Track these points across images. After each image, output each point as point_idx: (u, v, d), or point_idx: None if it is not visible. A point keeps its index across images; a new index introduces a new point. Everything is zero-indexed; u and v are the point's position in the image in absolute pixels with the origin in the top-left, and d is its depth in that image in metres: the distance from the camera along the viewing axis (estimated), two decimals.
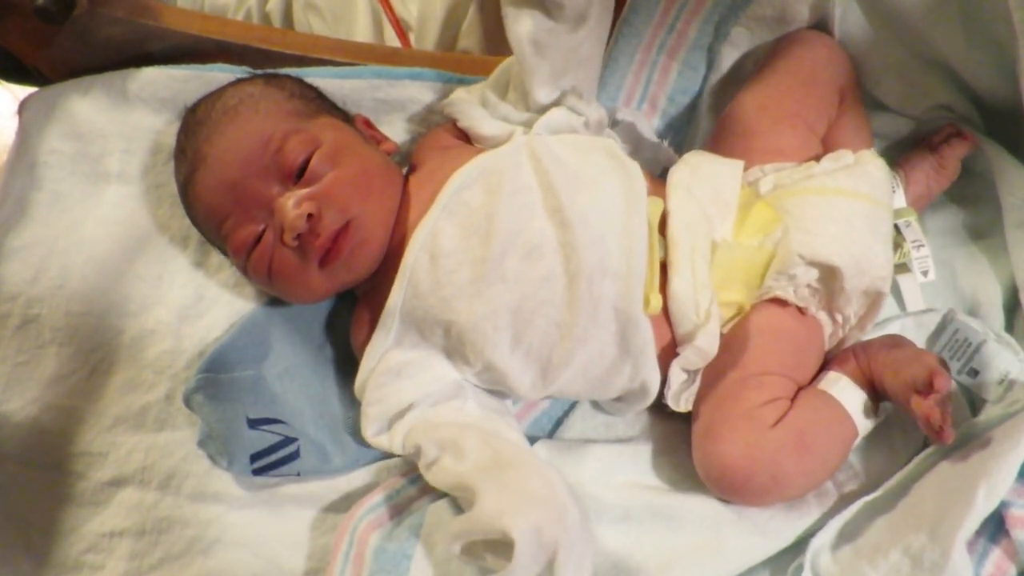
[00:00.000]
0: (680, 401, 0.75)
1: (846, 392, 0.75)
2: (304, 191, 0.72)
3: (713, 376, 0.75)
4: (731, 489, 0.72)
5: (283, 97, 0.77)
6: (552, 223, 0.71)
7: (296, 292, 0.77)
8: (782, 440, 0.71)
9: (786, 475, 0.71)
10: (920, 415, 0.68)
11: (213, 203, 0.74)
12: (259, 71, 0.86)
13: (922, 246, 0.85)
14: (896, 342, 0.78)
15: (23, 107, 0.93)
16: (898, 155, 0.90)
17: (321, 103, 0.81)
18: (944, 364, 0.70)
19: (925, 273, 0.86)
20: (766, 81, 0.84)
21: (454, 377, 0.74)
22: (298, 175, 0.72)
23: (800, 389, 0.76)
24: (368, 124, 0.85)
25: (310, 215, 0.71)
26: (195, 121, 0.77)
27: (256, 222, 0.73)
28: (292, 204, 0.71)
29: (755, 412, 0.72)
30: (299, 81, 0.82)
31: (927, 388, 0.68)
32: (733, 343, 0.75)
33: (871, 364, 0.76)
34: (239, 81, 0.81)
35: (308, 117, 0.76)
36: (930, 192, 0.89)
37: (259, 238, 0.74)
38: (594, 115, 0.78)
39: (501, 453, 0.68)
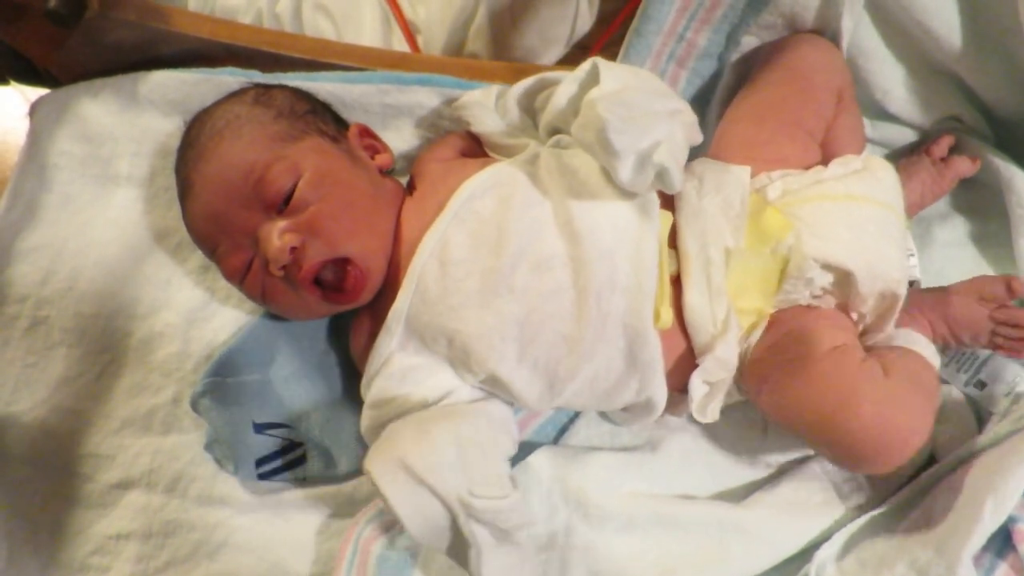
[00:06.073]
0: (706, 413, 0.73)
1: (917, 341, 0.75)
2: (286, 223, 0.72)
3: (784, 368, 0.71)
4: (887, 451, 0.65)
5: (269, 119, 0.75)
6: (563, 237, 0.71)
7: (292, 313, 0.78)
8: (915, 392, 0.67)
9: (926, 428, 0.66)
10: (1007, 318, 0.77)
11: (202, 231, 0.76)
12: (261, 78, 0.86)
13: (912, 255, 0.85)
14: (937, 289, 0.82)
15: (34, 109, 0.93)
16: (895, 161, 0.88)
17: (312, 118, 0.78)
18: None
19: (912, 283, 0.84)
20: (762, 91, 0.82)
21: (457, 384, 0.74)
22: (282, 204, 0.72)
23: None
24: (366, 133, 0.83)
25: (293, 247, 0.71)
26: (187, 142, 0.77)
27: (245, 250, 0.74)
28: (275, 237, 0.71)
29: (867, 368, 0.68)
30: (292, 93, 0.80)
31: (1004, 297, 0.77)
32: (780, 342, 0.72)
33: (924, 311, 0.80)
34: (232, 97, 0.79)
35: (293, 140, 0.74)
36: (923, 201, 0.88)
37: (249, 265, 0.74)
38: None
39: (422, 418, 0.70)
